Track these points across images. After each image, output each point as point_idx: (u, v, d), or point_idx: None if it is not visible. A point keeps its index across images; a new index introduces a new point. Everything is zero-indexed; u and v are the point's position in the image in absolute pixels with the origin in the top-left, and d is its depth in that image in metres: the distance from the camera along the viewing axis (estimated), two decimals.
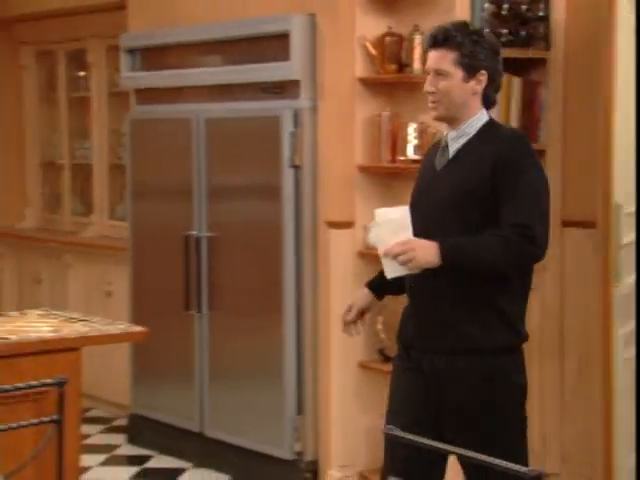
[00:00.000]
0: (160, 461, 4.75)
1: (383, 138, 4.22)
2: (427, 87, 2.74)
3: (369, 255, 4.16)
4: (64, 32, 6.18)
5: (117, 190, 5.98)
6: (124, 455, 4.89)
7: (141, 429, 5.01)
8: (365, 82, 4.25)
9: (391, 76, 4.21)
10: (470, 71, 2.70)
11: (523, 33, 4.06)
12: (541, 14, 4.05)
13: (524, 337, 2.73)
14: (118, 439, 5.10)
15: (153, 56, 5.06)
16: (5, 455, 2.81)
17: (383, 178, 4.31)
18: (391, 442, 2.67)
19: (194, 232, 4.65)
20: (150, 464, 4.74)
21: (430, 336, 2.69)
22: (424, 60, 3.95)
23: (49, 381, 2.43)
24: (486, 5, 4.00)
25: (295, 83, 4.33)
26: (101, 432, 5.23)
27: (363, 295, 2.88)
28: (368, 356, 4.30)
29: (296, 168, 4.32)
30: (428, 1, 4.09)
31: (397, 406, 2.77)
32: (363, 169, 4.28)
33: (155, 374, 4.94)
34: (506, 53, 4.03)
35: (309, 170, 4.33)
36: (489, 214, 2.63)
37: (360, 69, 4.24)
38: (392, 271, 2.59)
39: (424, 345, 2.71)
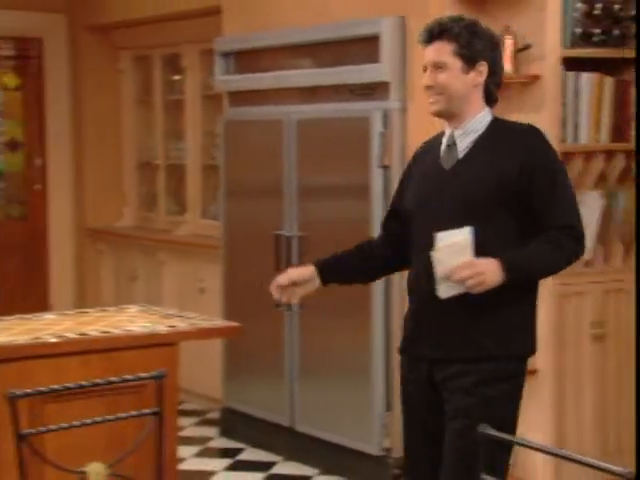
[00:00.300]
0: (252, 454, 4.83)
1: None
2: (425, 81, 2.65)
3: None
4: (160, 37, 6.32)
5: (210, 190, 6.09)
6: (217, 447, 4.99)
7: (233, 422, 5.10)
8: None
9: None
10: (469, 62, 2.61)
11: (616, 32, 4.01)
12: (634, 13, 3.99)
13: (536, 346, 2.68)
14: (211, 432, 5.20)
15: (246, 59, 5.14)
16: (107, 445, 2.91)
17: None
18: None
19: (284, 231, 4.72)
20: (242, 456, 4.82)
21: (445, 346, 2.60)
22: (514, 61, 3.97)
23: (149, 374, 2.51)
24: (578, 5, 3.95)
25: (385, 85, 4.35)
26: (194, 425, 5.35)
27: (305, 269, 2.77)
28: None
29: (385, 168, 4.35)
30: (519, 1, 4.06)
31: (413, 430, 2.72)
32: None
33: (247, 369, 5.02)
34: (599, 53, 4.03)
35: (398, 170, 4.33)
36: (517, 214, 2.57)
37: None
38: (446, 291, 2.51)
39: (436, 355, 2.62)
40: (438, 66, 2.63)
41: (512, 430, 2.61)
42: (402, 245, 2.74)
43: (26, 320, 3.30)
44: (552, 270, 2.64)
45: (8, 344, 2.89)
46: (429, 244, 2.54)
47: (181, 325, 3.22)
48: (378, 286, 4.33)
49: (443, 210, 2.60)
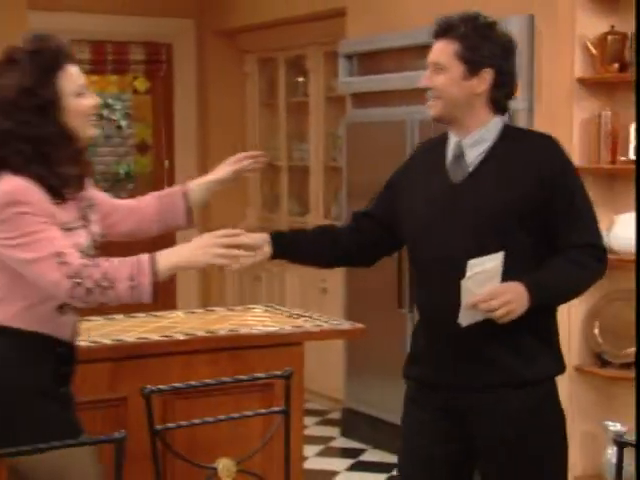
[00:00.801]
0: (373, 455, 4.82)
1: (603, 139, 4.09)
2: (422, 81, 2.43)
3: None
4: (284, 40, 6.38)
5: (332, 191, 6.11)
6: (339, 447, 5.00)
7: (354, 423, 5.10)
8: (584, 82, 4.14)
9: (612, 75, 4.08)
10: (472, 67, 2.35)
11: None
12: None
13: (565, 363, 2.49)
14: (333, 431, 5.21)
15: (369, 61, 5.13)
16: (234, 442, 2.94)
17: (603, 179, 4.18)
18: None
19: None
20: (364, 457, 4.82)
21: (463, 372, 2.39)
22: None
23: (277, 373, 2.52)
24: None
25: None
26: (316, 424, 5.37)
27: (258, 235, 2.52)
28: (584, 360, 4.19)
29: None
30: None
31: (415, 462, 2.49)
32: (581, 170, 4.15)
33: (368, 370, 5.01)
34: None
35: None
36: (533, 232, 2.35)
37: (579, 69, 4.13)
38: (468, 319, 2.31)
39: (454, 382, 2.41)
40: (438, 67, 2.40)
41: (564, 448, 2.48)
42: (369, 247, 2.60)
43: (156, 318, 3.37)
44: (577, 292, 2.45)
45: (142, 341, 2.96)
46: (444, 267, 2.36)
47: (307, 325, 3.23)
48: None
49: (455, 228, 2.37)
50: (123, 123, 6.95)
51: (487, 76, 2.36)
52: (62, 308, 2.39)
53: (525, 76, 4.23)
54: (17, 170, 2.33)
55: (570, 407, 4.18)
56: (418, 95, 4.87)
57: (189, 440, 2.81)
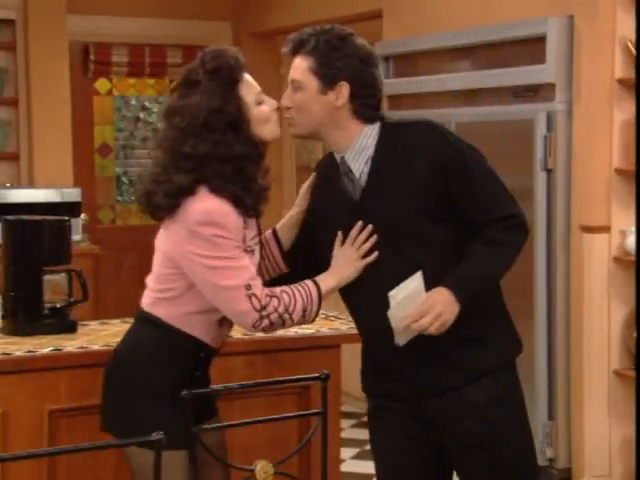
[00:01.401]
0: None
1: None
2: (282, 101, 2.40)
3: (625, 261, 4.01)
4: None
5: None
6: None
7: None
8: (625, 83, 4.08)
9: None
10: (327, 81, 2.30)
11: None
12: None
13: (521, 341, 2.43)
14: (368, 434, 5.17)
15: (405, 63, 5.11)
16: (272, 444, 2.94)
17: None
18: None
19: None
20: None
21: (422, 376, 2.35)
22: None
23: (315, 375, 2.51)
24: None
25: (550, 86, 4.23)
26: (352, 427, 5.35)
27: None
28: (623, 364, 4.13)
29: (549, 171, 4.22)
30: None
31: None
32: (621, 172, 4.11)
33: None
34: None
35: (562, 173, 4.22)
36: (445, 222, 2.29)
37: (620, 70, 4.08)
38: (405, 338, 2.30)
39: (416, 389, 2.37)
40: (295, 85, 2.37)
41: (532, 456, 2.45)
42: (303, 271, 2.50)
43: None
44: (503, 270, 2.34)
45: None
46: (373, 299, 2.33)
47: (343, 328, 3.22)
48: (541, 292, 4.20)
49: (373, 247, 2.33)
50: (160, 125, 6.99)
51: (343, 89, 2.30)
52: (222, 321, 2.45)
53: (564, 77, 4.19)
54: (215, 190, 2.32)
55: (608, 411, 4.13)
56: (454, 97, 4.86)
57: (226, 442, 2.80)
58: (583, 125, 4.15)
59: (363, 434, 5.19)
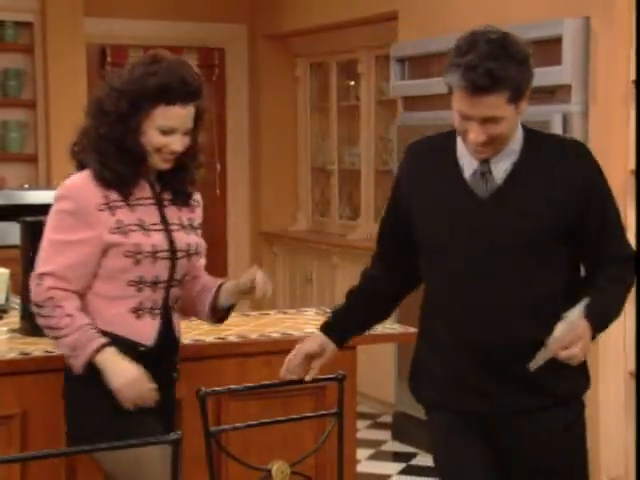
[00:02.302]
0: (425, 459, 4.77)
1: None
2: (477, 138, 2.14)
3: None
4: (336, 44, 6.37)
5: (383, 195, 6.08)
6: (390, 451, 4.97)
7: (406, 426, 5.06)
8: None
9: None
10: (519, 99, 2.15)
11: None
12: None
13: (590, 378, 2.41)
14: (384, 435, 5.18)
15: (421, 64, 5.10)
16: (288, 444, 2.94)
17: None
18: None
19: None
20: (415, 461, 4.78)
21: (505, 394, 2.26)
22: None
23: (331, 376, 2.51)
24: None
25: (566, 88, 4.21)
26: (368, 427, 5.35)
27: (312, 339, 2.45)
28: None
29: None
30: None
31: None
32: (637, 173, 4.09)
33: None
34: None
35: None
36: (568, 241, 2.22)
37: (635, 71, 4.06)
38: (539, 363, 2.18)
39: (495, 408, 2.27)
40: (491, 120, 2.14)
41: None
42: (411, 276, 2.41)
43: None
44: (621, 312, 2.32)
45: (197, 343, 2.97)
46: (470, 310, 2.23)
47: None
48: None
49: (488, 253, 2.21)
50: None
51: (528, 93, 2.18)
52: (138, 311, 2.46)
53: (580, 79, 4.18)
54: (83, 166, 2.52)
55: (624, 412, 4.11)
56: None
57: (243, 442, 2.81)
58: (599, 126, 4.13)
59: (378, 435, 5.21)
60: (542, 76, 4.27)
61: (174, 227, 2.52)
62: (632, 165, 4.09)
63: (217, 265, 6.97)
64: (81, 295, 2.43)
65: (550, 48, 4.26)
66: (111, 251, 2.42)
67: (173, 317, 2.56)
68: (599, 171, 2.28)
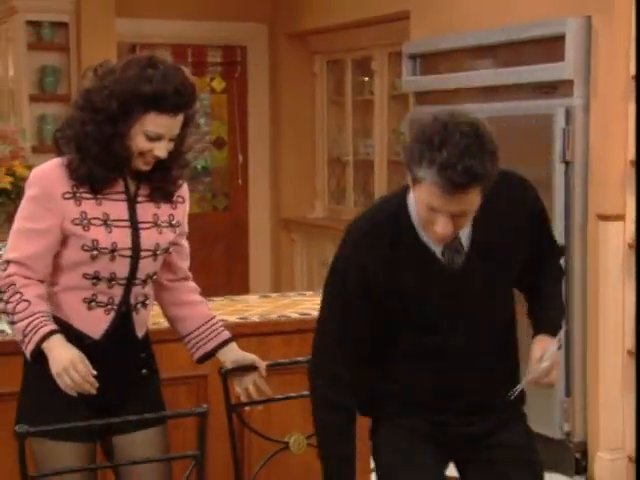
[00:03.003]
0: None
1: None
2: (444, 231, 1.98)
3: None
4: (351, 42, 6.34)
5: (395, 184, 6.05)
6: None
7: None
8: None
9: None
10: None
11: None
12: None
13: None
14: None
15: (432, 61, 5.07)
16: (306, 418, 2.93)
17: None
18: None
19: None
20: None
21: (479, 414, 2.18)
22: None
23: None
24: None
25: (568, 83, 4.18)
26: None
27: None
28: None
29: (567, 163, 4.18)
30: None
31: None
32: (636, 164, 4.06)
33: None
34: None
35: (580, 165, 4.17)
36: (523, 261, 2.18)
37: (634, 67, 4.01)
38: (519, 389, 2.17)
39: (465, 423, 2.19)
40: (462, 214, 2.00)
41: None
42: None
43: (233, 301, 3.38)
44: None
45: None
46: (447, 355, 2.12)
47: None
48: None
49: (471, 316, 2.12)
50: (201, 121, 6.99)
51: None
52: (91, 302, 2.26)
53: (582, 74, 4.14)
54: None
55: (622, 388, 4.10)
56: (477, 93, 4.82)
57: (263, 417, 2.81)
58: (600, 119, 4.10)
59: None
60: (546, 72, 4.31)
61: (145, 225, 2.28)
62: (631, 156, 4.06)
63: (239, 250, 7.00)
64: (46, 282, 2.25)
65: (553, 45, 4.23)
66: (70, 242, 2.23)
67: (134, 314, 2.31)
68: (537, 194, 2.20)
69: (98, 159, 2.20)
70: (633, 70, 4.00)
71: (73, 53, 6.06)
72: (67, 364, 2.13)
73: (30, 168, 5.44)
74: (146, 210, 2.29)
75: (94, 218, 2.22)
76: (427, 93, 5.07)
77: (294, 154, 6.87)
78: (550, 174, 4.20)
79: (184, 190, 2.38)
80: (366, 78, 6.43)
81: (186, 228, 2.41)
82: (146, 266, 2.29)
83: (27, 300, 2.18)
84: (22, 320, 2.18)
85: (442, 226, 1.97)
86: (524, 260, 2.18)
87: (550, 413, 4.22)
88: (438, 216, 1.97)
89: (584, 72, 4.14)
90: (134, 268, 2.26)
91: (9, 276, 2.21)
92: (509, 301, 2.20)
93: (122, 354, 2.29)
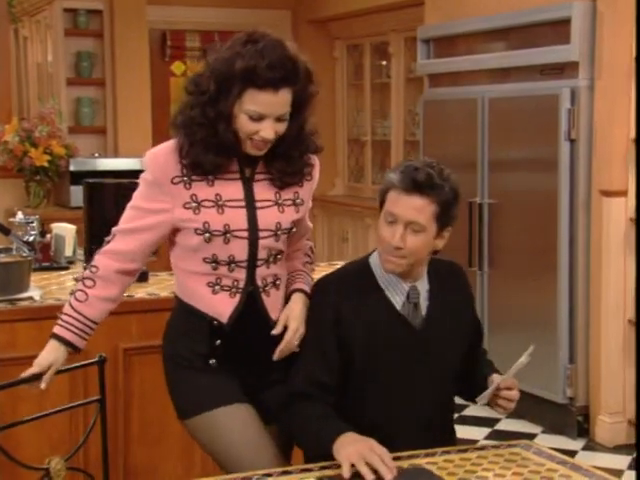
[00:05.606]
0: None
1: None
2: (395, 242, 1.93)
3: None
4: (370, 28, 6.29)
5: None
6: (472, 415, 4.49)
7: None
8: None
9: None
10: (442, 227, 1.98)
11: None
12: None
13: None
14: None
15: (445, 45, 5.01)
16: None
17: None
18: None
19: (477, 199, 4.58)
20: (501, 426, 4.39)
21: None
22: None
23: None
24: None
25: (574, 64, 4.11)
26: None
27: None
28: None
29: (572, 142, 4.12)
30: None
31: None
32: (637, 142, 3.99)
33: None
34: None
35: (585, 143, 4.11)
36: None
37: (636, 50, 3.94)
38: (485, 398, 2.07)
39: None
40: (415, 228, 1.95)
41: None
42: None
43: None
44: None
45: None
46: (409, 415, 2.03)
47: None
48: (563, 250, 4.13)
49: (432, 380, 2.04)
50: None
51: (447, 234, 2.03)
52: (215, 286, 2.06)
53: (587, 56, 4.07)
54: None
55: (623, 356, 4.05)
56: (487, 75, 4.76)
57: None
58: (604, 99, 4.02)
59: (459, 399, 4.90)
60: (552, 54, 4.24)
61: (263, 204, 2.04)
62: (633, 134, 3.99)
63: None
64: (137, 262, 2.09)
65: (560, 28, 4.16)
66: (183, 227, 2.03)
67: (263, 296, 2.07)
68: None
69: (205, 143, 2.00)
70: (635, 52, 3.92)
71: (107, 39, 6.05)
72: (39, 358, 2.03)
73: (67, 147, 5.56)
74: (264, 188, 2.06)
75: (205, 200, 2.01)
76: (440, 75, 5.01)
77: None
78: (556, 152, 4.14)
79: (314, 167, 2.16)
80: (384, 62, 6.38)
81: (310, 205, 2.17)
82: (267, 246, 2.05)
83: (87, 295, 2.05)
84: (71, 307, 2.05)
85: (396, 236, 1.94)
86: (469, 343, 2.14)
87: (554, 379, 4.19)
88: (394, 227, 1.96)
89: (589, 54, 4.06)
90: (253, 249, 2.03)
91: (102, 253, 2.07)
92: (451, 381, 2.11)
93: (256, 338, 2.07)
